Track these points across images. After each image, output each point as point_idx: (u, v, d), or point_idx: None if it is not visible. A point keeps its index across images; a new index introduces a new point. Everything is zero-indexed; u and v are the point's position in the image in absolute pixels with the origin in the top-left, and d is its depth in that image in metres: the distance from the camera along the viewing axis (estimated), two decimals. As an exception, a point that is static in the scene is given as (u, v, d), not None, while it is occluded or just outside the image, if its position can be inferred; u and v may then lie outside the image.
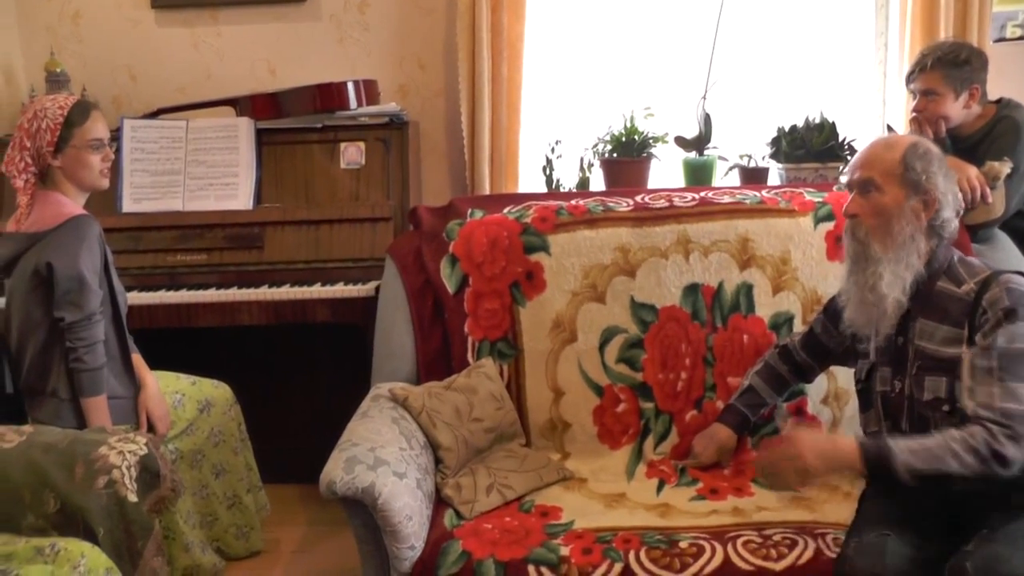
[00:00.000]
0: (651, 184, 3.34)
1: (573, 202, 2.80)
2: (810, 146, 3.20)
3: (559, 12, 3.61)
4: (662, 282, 2.67)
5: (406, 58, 3.62)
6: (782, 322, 2.65)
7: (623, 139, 3.32)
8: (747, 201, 2.77)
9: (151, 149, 3.31)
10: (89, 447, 2.14)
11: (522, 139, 3.51)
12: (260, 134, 3.33)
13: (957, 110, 2.78)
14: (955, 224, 2.09)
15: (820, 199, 2.76)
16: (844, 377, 2.64)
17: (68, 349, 2.43)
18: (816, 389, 2.61)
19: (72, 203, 2.51)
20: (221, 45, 3.63)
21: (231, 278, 3.13)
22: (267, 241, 3.18)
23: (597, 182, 3.39)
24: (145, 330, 2.91)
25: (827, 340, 2.40)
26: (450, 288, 2.72)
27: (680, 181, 3.37)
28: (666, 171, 3.46)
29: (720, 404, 2.59)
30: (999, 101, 2.85)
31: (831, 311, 2.37)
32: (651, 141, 3.33)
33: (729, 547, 2.06)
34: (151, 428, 2.58)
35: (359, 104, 3.31)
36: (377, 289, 2.92)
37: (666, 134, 3.35)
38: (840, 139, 3.21)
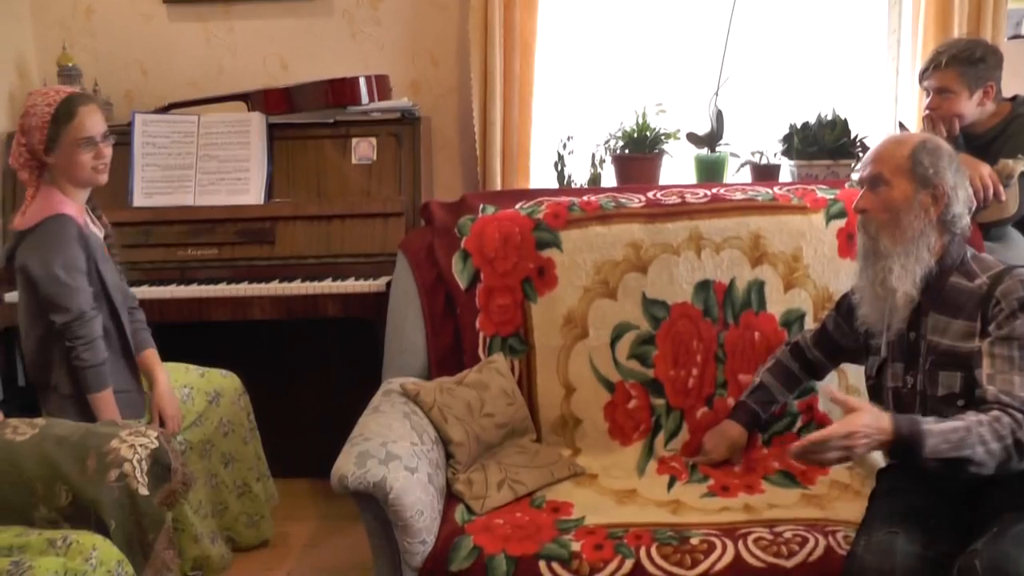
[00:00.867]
0: (663, 180, 3.33)
1: (585, 198, 2.80)
2: (822, 143, 3.19)
3: (571, 8, 3.60)
4: (674, 279, 2.67)
5: (418, 54, 3.61)
6: (793, 319, 2.65)
7: (635, 135, 3.31)
8: (759, 198, 2.76)
9: (163, 144, 3.31)
10: (101, 440, 2.15)
11: (534, 135, 3.51)
12: (272, 129, 3.34)
13: (971, 108, 2.76)
14: (966, 220, 2.10)
15: (832, 196, 2.76)
16: (854, 374, 2.63)
17: (67, 348, 2.43)
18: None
19: (62, 200, 2.48)
20: (233, 40, 3.63)
21: (242, 273, 3.14)
22: (278, 236, 3.18)
23: (609, 178, 3.38)
24: (156, 324, 2.92)
25: (839, 337, 2.40)
26: (462, 284, 2.72)
27: (692, 178, 3.36)
28: (678, 168, 3.45)
29: (731, 401, 2.59)
30: (1014, 99, 2.84)
31: (844, 308, 2.37)
32: (663, 137, 3.32)
33: (740, 544, 2.05)
34: (162, 425, 2.58)
35: (371, 99, 3.31)
36: (388, 284, 2.93)
37: (678, 130, 3.35)
38: (852, 136, 3.20)
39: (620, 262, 2.68)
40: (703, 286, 2.67)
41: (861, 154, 3.22)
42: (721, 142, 3.36)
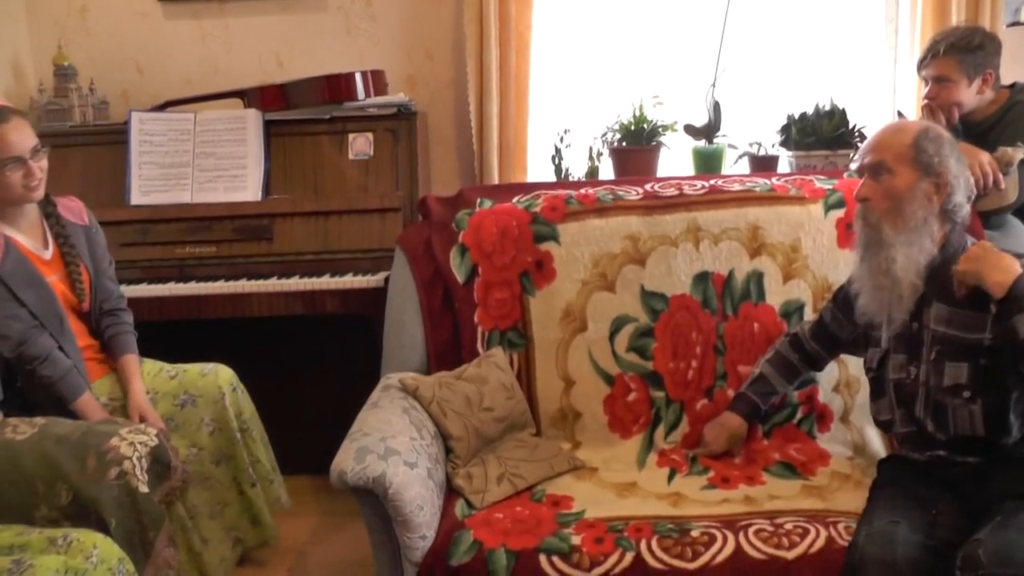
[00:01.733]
0: (660, 173, 3.33)
1: (582, 191, 2.79)
2: (820, 133, 3.18)
3: (566, 1, 3.59)
4: (672, 271, 2.66)
5: (414, 48, 3.61)
6: (793, 310, 2.64)
7: (632, 128, 3.31)
8: (757, 189, 2.76)
9: (159, 142, 3.31)
10: (101, 439, 2.15)
11: (531, 128, 3.51)
12: (268, 126, 3.33)
13: (970, 96, 2.75)
14: (967, 209, 2.09)
15: (830, 186, 2.75)
16: (855, 365, 2.62)
17: (26, 372, 2.40)
18: (827, 377, 2.60)
19: None
20: (228, 37, 3.63)
21: (240, 270, 3.13)
22: (276, 233, 3.18)
23: (606, 171, 3.38)
24: (155, 322, 2.92)
25: (836, 329, 2.39)
26: (460, 278, 2.72)
27: (690, 169, 3.36)
28: (676, 159, 3.44)
29: (731, 392, 2.58)
30: (1013, 86, 2.83)
31: (840, 299, 2.36)
32: (660, 129, 3.32)
33: (741, 536, 2.05)
34: None
35: (367, 95, 3.31)
36: (387, 280, 2.92)
37: (675, 122, 3.34)
38: (850, 126, 3.20)
39: (618, 255, 2.68)
40: (702, 278, 2.66)
41: (859, 144, 3.21)
42: (719, 134, 3.36)
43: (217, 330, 3.24)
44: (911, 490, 2.02)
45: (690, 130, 3.37)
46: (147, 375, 2.68)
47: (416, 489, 2.08)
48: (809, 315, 2.63)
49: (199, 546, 2.63)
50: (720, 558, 2.00)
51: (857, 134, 3.19)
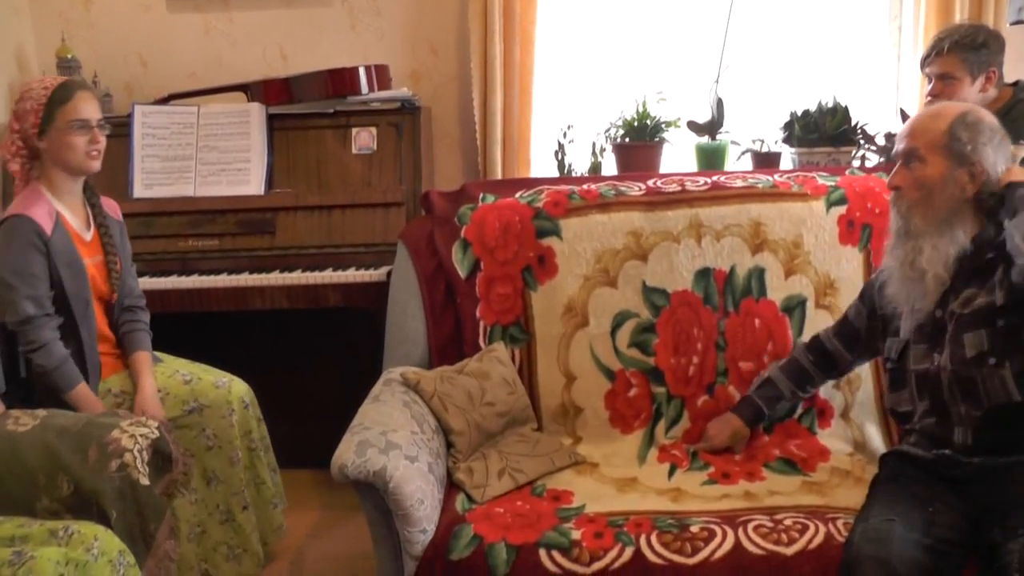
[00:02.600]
0: (663, 169, 3.32)
1: (585, 186, 2.79)
2: (823, 130, 3.18)
3: (571, -3, 3.60)
4: (674, 266, 2.66)
5: (418, 43, 3.61)
6: (794, 306, 2.64)
7: (635, 124, 3.30)
8: (759, 185, 2.76)
9: (162, 135, 3.31)
10: (102, 431, 2.16)
11: (534, 124, 3.51)
12: (272, 119, 3.33)
13: (974, 94, 2.75)
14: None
15: (833, 183, 2.75)
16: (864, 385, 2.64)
17: (20, 353, 2.40)
18: (828, 373, 2.61)
19: (39, 199, 2.44)
20: (233, 31, 3.63)
21: (243, 263, 3.14)
22: (279, 226, 3.18)
23: (609, 167, 3.38)
24: (158, 315, 2.92)
25: (858, 323, 2.35)
26: (462, 273, 2.72)
27: (693, 166, 3.35)
28: (678, 156, 3.44)
29: (732, 389, 2.59)
30: (1016, 84, 2.83)
31: (866, 296, 2.33)
32: (663, 126, 3.32)
33: (740, 531, 2.05)
34: None
35: (371, 89, 3.31)
36: (389, 274, 2.93)
37: (678, 119, 3.34)
38: (853, 123, 3.19)
39: (620, 250, 2.68)
40: (703, 274, 2.66)
41: (862, 141, 3.21)
42: (722, 130, 3.35)
43: (219, 323, 3.24)
44: (910, 488, 2.00)
45: (693, 126, 3.37)
46: (161, 374, 2.66)
47: (417, 483, 2.08)
48: (811, 311, 2.63)
49: None
50: (719, 553, 2.01)
51: (860, 131, 3.19)
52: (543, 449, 2.49)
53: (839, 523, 2.05)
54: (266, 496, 2.79)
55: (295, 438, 3.27)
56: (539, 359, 2.66)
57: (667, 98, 3.36)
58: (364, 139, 3.31)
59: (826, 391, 2.60)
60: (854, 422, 2.61)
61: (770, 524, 2.07)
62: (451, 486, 2.33)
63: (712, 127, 3.35)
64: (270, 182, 3.28)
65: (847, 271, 2.67)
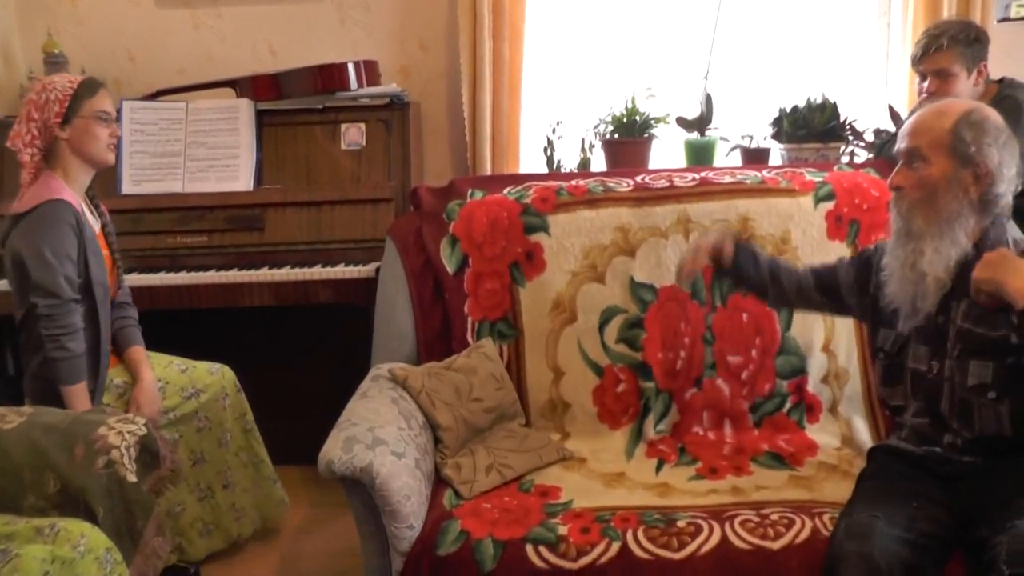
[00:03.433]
0: (652, 165, 3.33)
1: (573, 182, 2.79)
2: (812, 126, 3.19)
3: (560, -8, 3.60)
4: (662, 262, 2.67)
5: (407, 39, 3.61)
6: (782, 302, 2.64)
7: (624, 120, 3.31)
8: (748, 181, 2.76)
9: (151, 131, 3.30)
10: (89, 428, 2.14)
11: (523, 120, 3.51)
12: (261, 115, 3.33)
13: (969, 89, 2.73)
14: (1009, 200, 1.95)
15: (821, 179, 2.75)
16: (844, 356, 2.65)
17: (45, 336, 2.40)
18: (816, 368, 2.62)
19: (62, 187, 2.48)
20: (221, 26, 3.62)
21: (232, 260, 3.14)
22: (268, 223, 3.18)
23: (599, 163, 3.38)
24: (147, 311, 2.91)
25: (844, 289, 2.25)
26: (450, 268, 2.72)
27: (682, 162, 3.36)
28: (667, 152, 3.45)
29: (720, 382, 2.60)
30: (1001, 80, 2.83)
31: (862, 270, 2.22)
32: (652, 122, 3.32)
33: (727, 526, 2.06)
34: None
35: (360, 85, 3.31)
36: (378, 270, 2.92)
37: (667, 115, 3.34)
38: (842, 119, 3.20)
39: (608, 246, 2.68)
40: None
41: (850, 137, 3.22)
42: (711, 126, 3.36)
43: (208, 320, 3.24)
44: (895, 484, 2.00)
45: (682, 122, 3.37)
46: (157, 367, 2.71)
47: (403, 479, 2.08)
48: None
49: None
50: (706, 548, 2.01)
51: (848, 128, 3.20)
52: (531, 445, 2.49)
53: (825, 517, 2.05)
54: (265, 473, 2.90)
55: (285, 434, 3.26)
56: (527, 355, 2.66)
57: (656, 94, 3.36)
58: (353, 135, 3.30)
59: (814, 386, 2.61)
60: (842, 417, 2.62)
61: (757, 519, 2.08)
62: (439, 482, 2.33)
63: (701, 123, 3.36)
64: (259, 178, 3.28)
65: (835, 266, 2.67)
